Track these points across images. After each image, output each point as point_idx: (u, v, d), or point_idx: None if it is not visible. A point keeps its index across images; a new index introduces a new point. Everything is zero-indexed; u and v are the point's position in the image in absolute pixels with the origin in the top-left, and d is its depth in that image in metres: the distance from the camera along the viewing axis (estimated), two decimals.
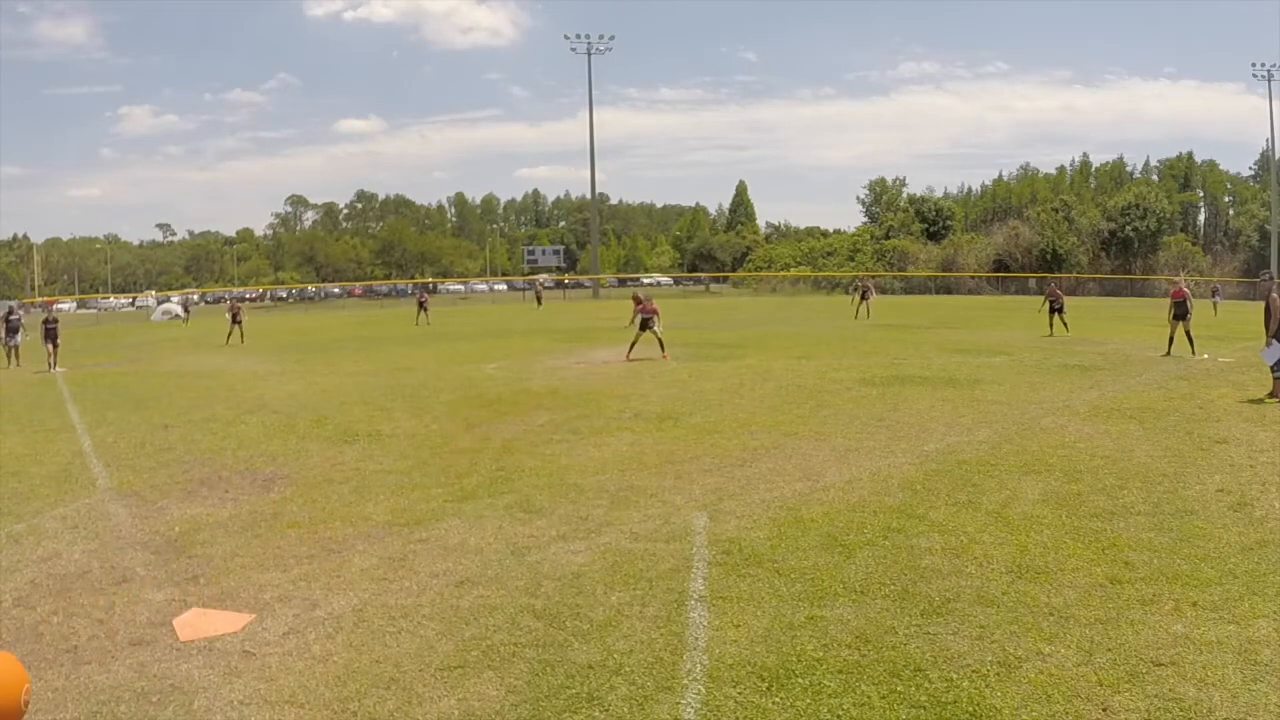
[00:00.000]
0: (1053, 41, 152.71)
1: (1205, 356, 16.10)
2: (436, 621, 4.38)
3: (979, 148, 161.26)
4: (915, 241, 73.72)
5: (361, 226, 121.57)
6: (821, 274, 72.03)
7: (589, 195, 77.28)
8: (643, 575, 4.95)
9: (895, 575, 4.88)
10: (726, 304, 49.63)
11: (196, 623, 4.43)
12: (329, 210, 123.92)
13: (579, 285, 75.66)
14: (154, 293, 75.67)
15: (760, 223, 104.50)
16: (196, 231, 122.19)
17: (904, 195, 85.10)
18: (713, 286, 76.46)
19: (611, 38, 67.04)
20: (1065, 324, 21.87)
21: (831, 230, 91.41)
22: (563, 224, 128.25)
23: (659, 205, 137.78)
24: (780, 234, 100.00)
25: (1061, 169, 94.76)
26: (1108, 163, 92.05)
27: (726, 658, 3.88)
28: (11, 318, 21.37)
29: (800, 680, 3.66)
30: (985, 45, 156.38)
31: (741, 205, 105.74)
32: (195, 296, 63.92)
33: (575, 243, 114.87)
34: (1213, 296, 33.50)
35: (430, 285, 73.27)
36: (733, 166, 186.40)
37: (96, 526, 6.23)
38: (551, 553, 5.42)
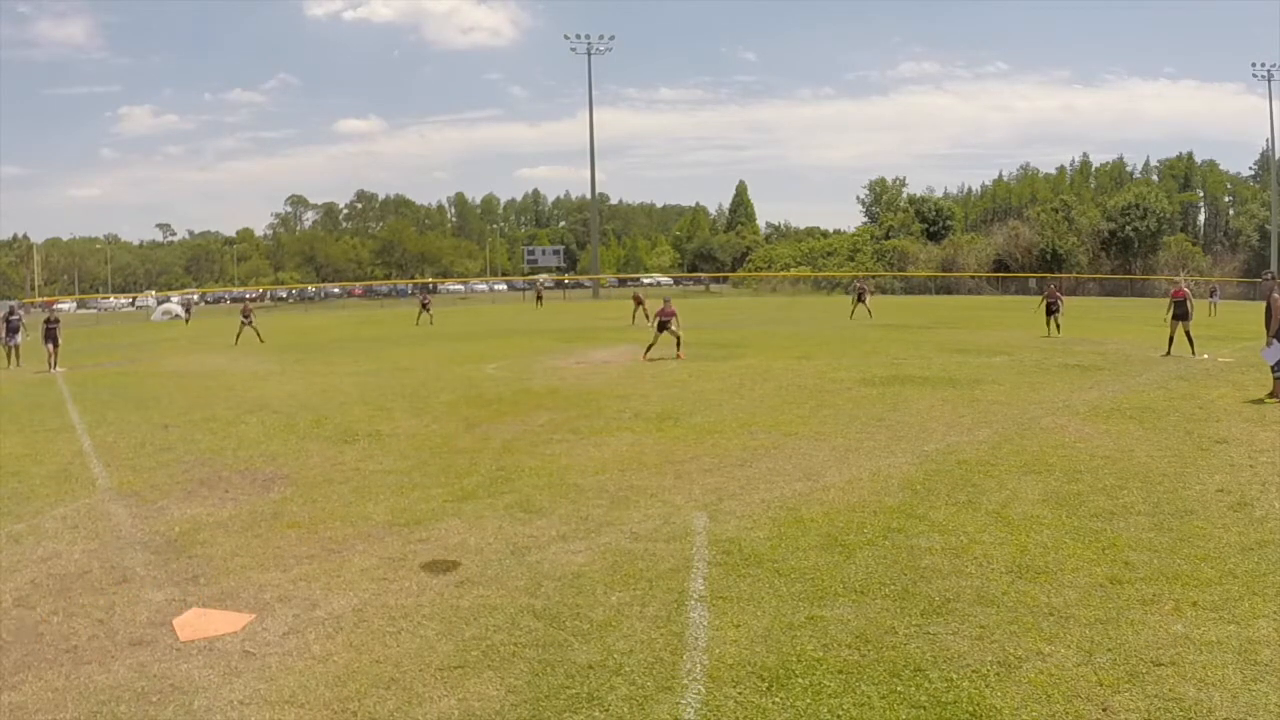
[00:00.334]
0: (1053, 41, 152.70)
1: (1205, 356, 16.10)
2: (436, 621, 4.38)
3: (979, 148, 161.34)
4: (915, 241, 73.72)
5: (361, 226, 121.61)
6: (821, 274, 72.02)
7: (589, 195, 77.26)
8: (643, 575, 4.95)
9: (895, 575, 4.88)
10: (726, 304, 49.63)
11: (196, 623, 4.43)
12: (329, 210, 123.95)
13: (579, 285, 75.68)
14: (154, 293, 75.67)
15: (760, 223, 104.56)
16: (196, 231, 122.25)
17: (904, 195, 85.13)
18: (713, 287, 76.46)
19: (611, 38, 67.04)
20: (1058, 325, 21.77)
21: (831, 230, 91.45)
22: (563, 224, 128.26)
23: (659, 205, 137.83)
24: (780, 234, 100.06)
25: (1061, 169, 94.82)
26: (1108, 163, 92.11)
27: (726, 658, 3.88)
28: (12, 318, 21.39)
29: (800, 680, 3.66)
30: (985, 45, 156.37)
31: (741, 205, 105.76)
32: (195, 296, 63.94)
33: (575, 243, 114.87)
34: (1210, 297, 33.47)
35: (430, 285, 73.30)
36: (733, 166, 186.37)
37: (96, 526, 6.23)
38: (551, 553, 5.42)
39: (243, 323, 26.69)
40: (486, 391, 12.83)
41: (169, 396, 13.33)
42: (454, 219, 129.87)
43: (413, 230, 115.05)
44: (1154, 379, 13.15)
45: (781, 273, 73.93)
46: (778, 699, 3.52)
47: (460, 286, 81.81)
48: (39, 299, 70.81)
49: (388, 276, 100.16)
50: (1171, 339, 16.69)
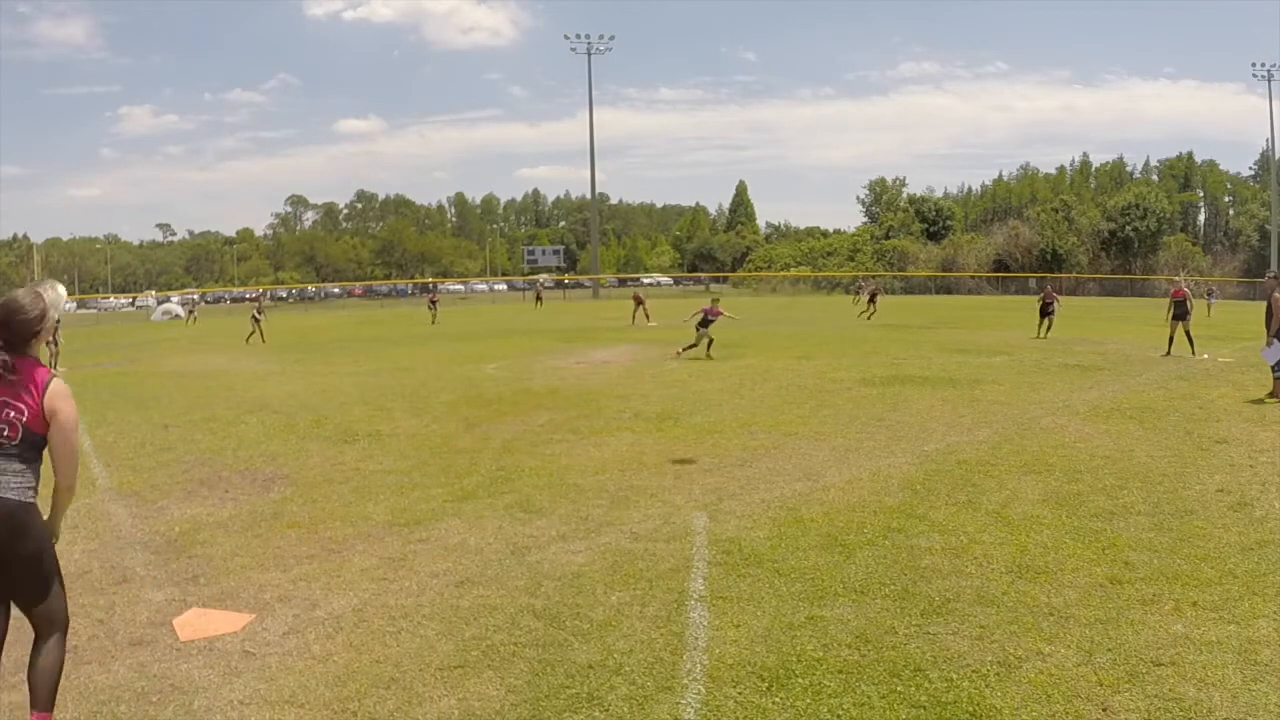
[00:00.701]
0: (1053, 41, 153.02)
1: (1205, 356, 16.10)
2: (436, 621, 4.38)
3: (979, 148, 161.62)
4: (915, 241, 73.75)
5: (361, 226, 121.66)
6: (821, 274, 72.05)
7: (589, 195, 77.35)
8: (643, 575, 4.95)
9: (895, 575, 4.88)
10: (726, 304, 49.60)
11: (196, 623, 4.43)
12: (329, 210, 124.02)
13: (579, 285, 75.68)
14: (154, 293, 75.68)
15: (760, 223, 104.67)
16: (196, 231, 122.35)
17: (904, 195, 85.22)
18: (713, 286, 76.44)
19: (611, 38, 67.21)
20: (1049, 327, 21.41)
21: (831, 230, 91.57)
22: (563, 224, 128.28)
23: (659, 205, 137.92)
24: (780, 234, 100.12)
25: (1061, 169, 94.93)
26: (1108, 163, 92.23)
27: (726, 658, 3.88)
28: None
29: (800, 680, 3.66)
30: (985, 45, 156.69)
31: (741, 205, 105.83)
32: (195, 296, 63.92)
33: (575, 243, 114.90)
34: (1208, 297, 33.45)
35: (431, 285, 73.34)
36: (733, 166, 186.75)
37: (96, 526, 6.22)
38: (551, 553, 5.41)
39: (255, 319, 26.75)
40: (486, 391, 12.83)
41: (169, 396, 13.33)
42: (454, 219, 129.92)
43: (413, 230, 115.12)
44: (1154, 379, 13.15)
45: (781, 273, 73.98)
46: (778, 699, 3.52)
47: (460, 286, 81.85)
48: None
49: (388, 276, 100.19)
50: (1171, 339, 16.70)
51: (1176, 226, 74.61)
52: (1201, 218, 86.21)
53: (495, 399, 12.01)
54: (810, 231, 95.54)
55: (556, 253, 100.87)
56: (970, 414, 10.09)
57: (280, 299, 73.45)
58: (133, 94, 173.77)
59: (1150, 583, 4.67)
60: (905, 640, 4.02)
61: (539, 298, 50.11)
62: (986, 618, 4.25)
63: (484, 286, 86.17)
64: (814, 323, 29.04)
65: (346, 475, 7.71)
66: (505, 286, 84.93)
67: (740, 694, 3.56)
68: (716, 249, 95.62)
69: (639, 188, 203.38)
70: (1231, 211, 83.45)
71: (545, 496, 6.74)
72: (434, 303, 39.58)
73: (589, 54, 65.78)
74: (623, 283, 79.44)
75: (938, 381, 12.94)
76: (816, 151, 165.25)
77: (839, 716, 3.38)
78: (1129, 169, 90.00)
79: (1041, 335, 21.13)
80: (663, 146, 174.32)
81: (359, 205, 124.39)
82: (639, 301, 31.02)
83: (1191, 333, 16.78)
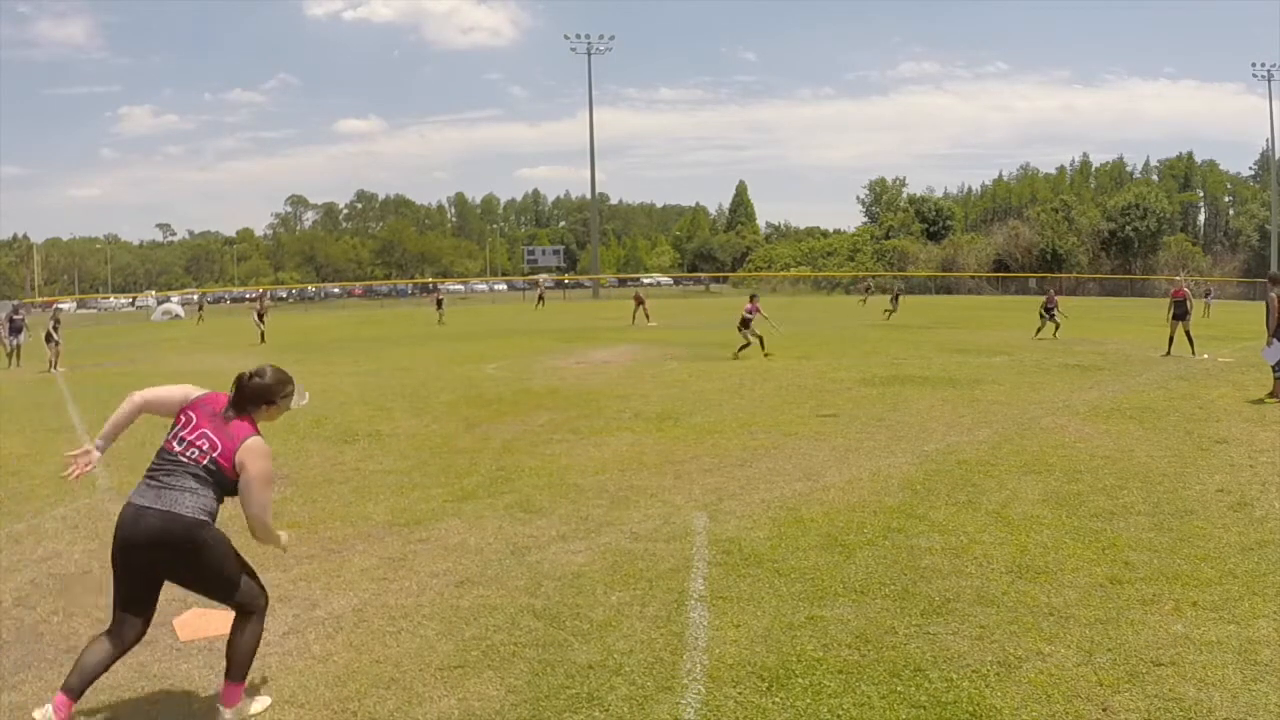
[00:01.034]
0: (1053, 41, 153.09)
1: (1205, 356, 16.10)
2: (436, 621, 4.38)
3: (979, 148, 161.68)
4: (915, 241, 73.75)
5: (361, 226, 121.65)
6: (821, 274, 72.03)
7: (589, 195, 77.30)
8: (643, 575, 4.95)
9: (895, 575, 4.88)
10: (726, 304, 49.62)
11: (196, 623, 4.43)
12: (329, 210, 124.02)
13: (579, 285, 75.66)
14: (154, 293, 75.69)
15: (760, 223, 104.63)
16: (196, 231, 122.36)
17: (904, 195, 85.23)
18: (713, 286, 76.47)
19: (611, 38, 67.17)
20: (1055, 329, 21.31)
21: (831, 230, 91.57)
22: (563, 224, 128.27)
23: (659, 205, 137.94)
24: (780, 234, 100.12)
25: (1061, 169, 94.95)
26: (1108, 163, 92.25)
27: (726, 658, 3.88)
28: (16, 317, 21.44)
29: (800, 680, 3.66)
30: (985, 45, 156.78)
31: (741, 205, 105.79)
32: (197, 296, 63.88)
33: (575, 243, 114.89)
34: (1205, 298, 33.42)
35: (431, 285, 73.33)
36: (733, 166, 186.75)
37: (96, 526, 6.22)
38: (551, 553, 5.41)
39: (259, 314, 26.78)
40: (486, 391, 12.83)
41: None
42: (454, 219, 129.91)
43: (413, 230, 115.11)
44: (1154, 379, 13.15)
45: (781, 273, 73.98)
46: (778, 699, 3.52)
47: (460, 286, 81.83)
48: (39, 299, 70.78)
49: (388, 276, 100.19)
50: (1171, 339, 16.70)
51: (1176, 226, 74.61)
52: (1201, 218, 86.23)
53: (495, 399, 12.01)
54: (810, 231, 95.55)
55: (556, 253, 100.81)
56: (970, 414, 10.09)
57: (280, 299, 73.46)
58: (133, 94, 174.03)
59: (1150, 583, 4.67)
60: (905, 640, 4.02)
61: (541, 297, 49.93)
62: (986, 618, 4.25)
63: (484, 286, 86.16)
64: (814, 323, 29.03)
65: (346, 475, 7.71)
66: (505, 286, 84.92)
67: (740, 694, 3.56)
68: (716, 249, 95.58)
69: (639, 188, 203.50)
70: (1231, 211, 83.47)
71: (545, 496, 6.73)
72: (440, 303, 38.58)
73: (589, 54, 65.79)
74: (623, 283, 79.42)
75: (938, 381, 12.94)
76: (816, 151, 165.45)
77: (839, 716, 3.38)
78: (1129, 169, 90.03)
79: (1052, 336, 20.94)
80: (663, 146, 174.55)
81: (359, 205, 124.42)
82: (639, 301, 31.03)
83: (1191, 333, 16.78)
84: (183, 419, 3.57)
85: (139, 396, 3.66)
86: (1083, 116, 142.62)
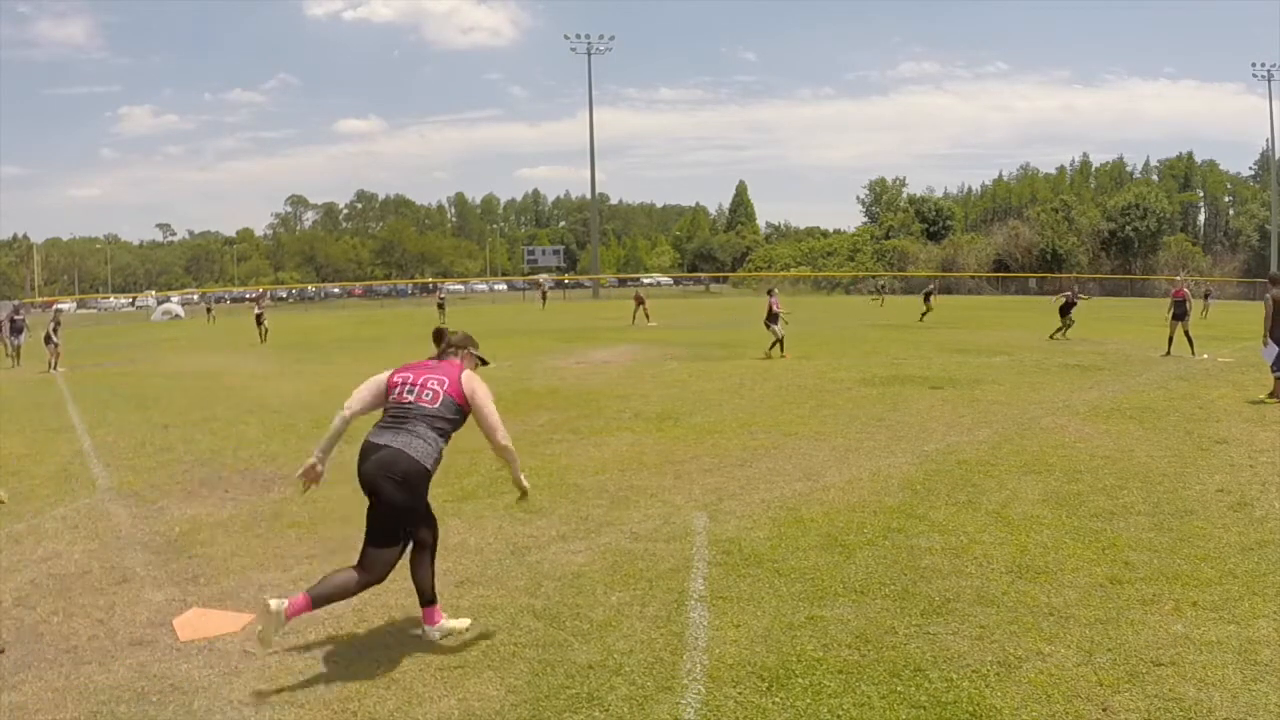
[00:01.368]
0: (1053, 41, 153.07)
1: (1205, 356, 16.10)
2: None
3: (979, 148, 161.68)
4: (915, 241, 73.76)
5: (361, 226, 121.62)
6: (821, 274, 72.05)
7: (589, 195, 77.32)
8: (643, 575, 4.95)
9: (895, 575, 4.88)
10: (726, 304, 49.63)
11: (196, 623, 4.43)
12: (329, 210, 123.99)
13: (579, 285, 75.66)
14: (154, 293, 75.70)
15: (760, 223, 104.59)
16: (196, 231, 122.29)
17: (904, 195, 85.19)
18: (713, 286, 76.49)
19: (611, 38, 67.19)
20: (1066, 327, 21.16)
21: (831, 230, 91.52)
22: (563, 224, 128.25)
23: (659, 205, 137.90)
24: (780, 234, 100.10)
25: (1061, 169, 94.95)
26: (1108, 163, 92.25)
27: (726, 658, 3.88)
28: (16, 317, 21.46)
29: (800, 680, 3.66)
30: (985, 45, 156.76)
31: (741, 205, 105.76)
32: (195, 297, 63.86)
33: (575, 243, 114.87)
34: (1205, 299, 33.33)
35: (431, 285, 73.33)
36: (733, 166, 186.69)
37: (96, 526, 6.22)
38: (551, 553, 5.42)
39: (259, 315, 26.79)
40: None
41: (169, 397, 13.33)
42: (454, 219, 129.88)
43: (413, 230, 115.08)
44: (1154, 379, 13.15)
45: (781, 273, 73.95)
46: (778, 699, 3.52)
47: (460, 286, 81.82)
48: (39, 299, 70.79)
49: (388, 276, 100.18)
50: (1171, 339, 16.70)
51: (1176, 226, 74.59)
52: (1201, 218, 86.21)
53: (495, 399, 11.99)
54: (810, 231, 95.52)
55: (556, 253, 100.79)
56: (970, 414, 10.09)
57: (280, 299, 73.46)
58: (133, 94, 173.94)
59: (1150, 583, 4.67)
60: (905, 640, 4.02)
61: (544, 297, 49.77)
62: (986, 618, 4.25)
63: (484, 286, 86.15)
64: (814, 323, 29.04)
65: (347, 475, 7.70)
66: (505, 287, 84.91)
67: (740, 694, 3.56)
68: (716, 249, 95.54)
69: (639, 188, 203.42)
70: (1231, 212, 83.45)
71: (545, 496, 6.73)
72: (442, 304, 38.67)
73: (589, 54, 65.79)
74: (623, 283, 79.39)
75: (938, 381, 12.94)
76: (816, 151, 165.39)
77: (839, 716, 3.38)
78: (1129, 169, 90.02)
79: (1063, 336, 20.64)
80: (663, 146, 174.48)
81: (359, 205, 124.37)
82: (639, 301, 31.02)
83: (1191, 333, 16.78)
84: (399, 382, 4.30)
85: (349, 411, 4.41)
86: (1083, 116, 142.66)
